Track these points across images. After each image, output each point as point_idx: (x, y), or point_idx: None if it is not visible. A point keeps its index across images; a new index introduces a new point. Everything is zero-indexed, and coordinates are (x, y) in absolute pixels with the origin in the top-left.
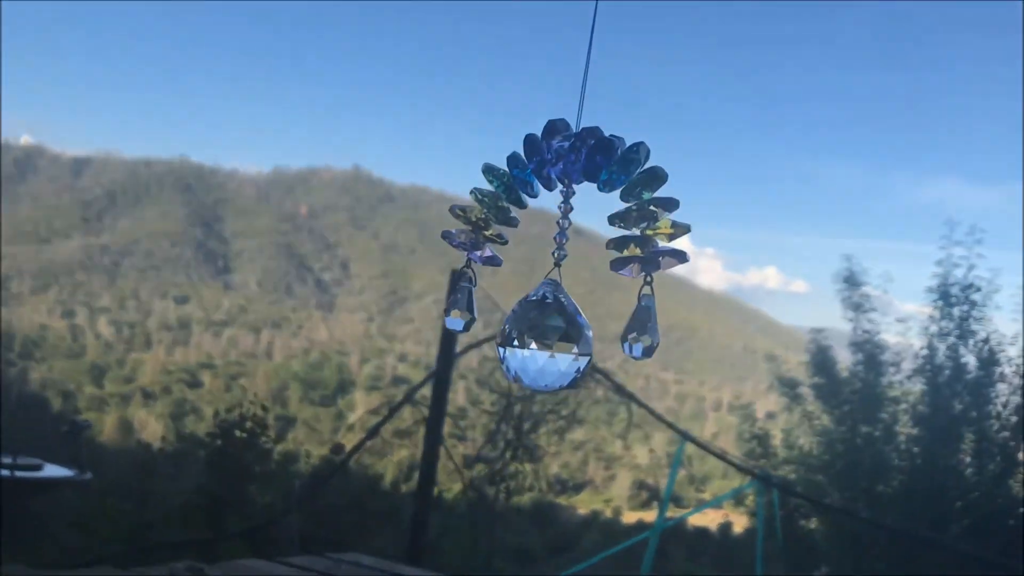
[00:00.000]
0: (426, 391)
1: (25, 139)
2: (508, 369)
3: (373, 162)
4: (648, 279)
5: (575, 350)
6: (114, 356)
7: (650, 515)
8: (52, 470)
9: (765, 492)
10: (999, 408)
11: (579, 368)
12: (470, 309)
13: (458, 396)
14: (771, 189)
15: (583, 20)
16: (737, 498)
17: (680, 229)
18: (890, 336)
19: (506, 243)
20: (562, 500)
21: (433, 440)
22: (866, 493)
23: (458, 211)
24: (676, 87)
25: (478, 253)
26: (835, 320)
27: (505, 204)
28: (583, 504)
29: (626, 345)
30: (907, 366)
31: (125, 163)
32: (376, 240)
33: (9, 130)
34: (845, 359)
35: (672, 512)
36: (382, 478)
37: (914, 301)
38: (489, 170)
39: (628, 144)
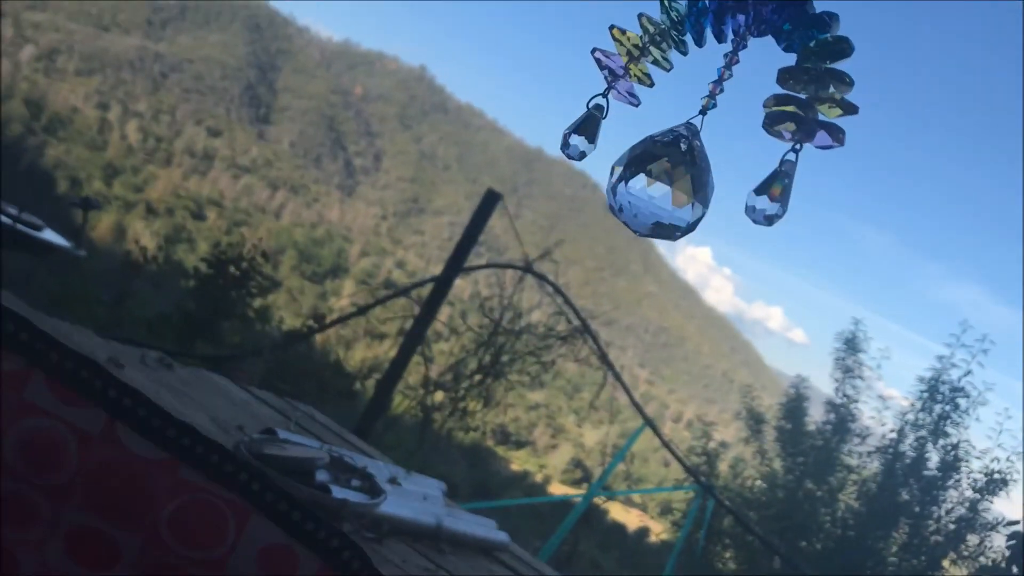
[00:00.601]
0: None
1: None
2: (615, 199)
3: (439, 69)
4: (797, 147)
5: (695, 197)
6: (131, 162)
7: (577, 494)
8: (51, 235)
9: (702, 502)
10: (942, 512)
11: (690, 220)
12: (592, 139)
13: (437, 324)
14: (804, 235)
15: None
16: (668, 504)
17: (849, 108)
18: (866, 409)
19: (652, 86)
20: (499, 450)
21: (415, 337)
22: (790, 543)
23: (618, 31)
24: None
25: (622, 83)
26: (818, 378)
27: (673, 37)
28: (518, 461)
29: (750, 207)
30: (872, 442)
31: None
32: (416, 144)
33: None
34: (816, 415)
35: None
36: (348, 365)
37: (899, 388)
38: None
39: (820, 10)
